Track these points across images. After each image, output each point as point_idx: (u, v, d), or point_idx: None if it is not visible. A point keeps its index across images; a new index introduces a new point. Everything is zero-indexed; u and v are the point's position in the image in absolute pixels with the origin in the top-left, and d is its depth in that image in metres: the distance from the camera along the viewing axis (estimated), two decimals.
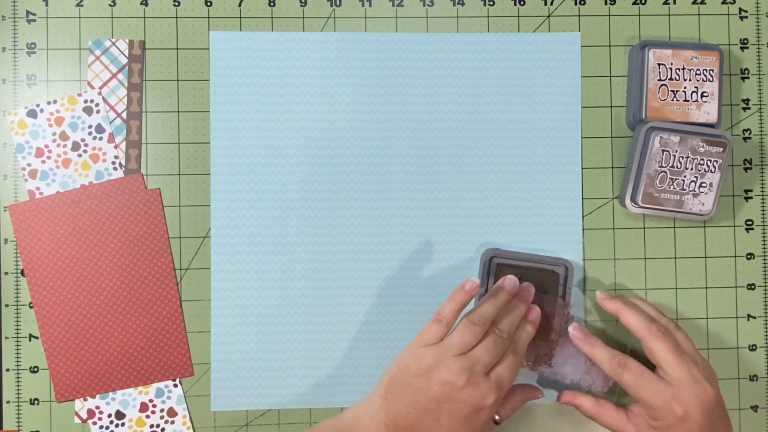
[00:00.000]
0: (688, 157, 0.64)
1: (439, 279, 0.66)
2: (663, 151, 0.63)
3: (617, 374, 0.59)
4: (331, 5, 0.67)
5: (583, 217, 0.67)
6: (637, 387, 0.58)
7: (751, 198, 0.68)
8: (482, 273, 0.64)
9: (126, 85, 0.65)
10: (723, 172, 0.64)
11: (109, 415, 0.64)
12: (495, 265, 0.64)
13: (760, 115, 0.68)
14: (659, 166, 0.64)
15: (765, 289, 0.68)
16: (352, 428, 0.57)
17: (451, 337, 0.57)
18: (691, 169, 0.64)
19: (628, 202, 0.65)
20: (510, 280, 0.61)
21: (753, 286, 0.68)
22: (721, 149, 0.64)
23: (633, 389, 0.58)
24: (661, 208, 0.64)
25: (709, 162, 0.64)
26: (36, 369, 0.64)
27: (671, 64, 0.65)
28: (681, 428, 0.57)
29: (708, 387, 0.57)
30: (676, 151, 0.63)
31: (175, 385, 0.65)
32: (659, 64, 0.65)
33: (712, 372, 0.59)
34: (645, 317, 0.60)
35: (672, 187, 0.64)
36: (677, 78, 0.65)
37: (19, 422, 0.64)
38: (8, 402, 0.64)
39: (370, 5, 0.67)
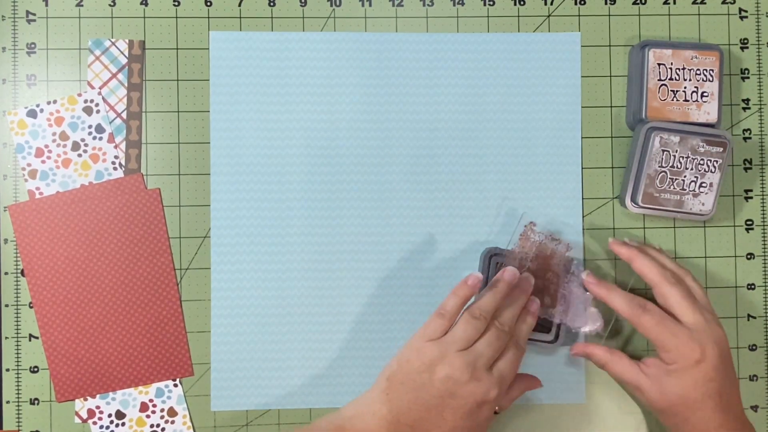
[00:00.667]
0: (688, 157, 0.64)
1: (438, 279, 0.66)
2: (663, 151, 0.63)
3: (637, 316, 0.59)
4: (331, 5, 0.67)
5: (583, 217, 0.67)
6: (658, 330, 0.58)
7: (751, 198, 0.68)
8: (482, 272, 0.64)
9: (126, 85, 0.65)
10: (723, 172, 0.64)
11: (110, 415, 0.64)
12: (495, 264, 0.64)
13: (760, 115, 0.68)
14: (659, 166, 0.64)
15: (765, 289, 0.68)
16: (351, 425, 0.57)
17: (453, 332, 0.57)
18: (691, 169, 0.64)
19: (628, 202, 0.65)
20: (509, 272, 0.61)
21: (753, 286, 0.68)
22: (721, 149, 0.64)
23: (653, 331, 0.58)
24: (661, 208, 0.64)
25: (709, 162, 0.64)
26: (36, 369, 0.64)
27: (671, 64, 0.65)
28: (697, 370, 0.57)
29: (721, 330, 0.58)
30: (676, 151, 0.63)
31: (175, 385, 0.65)
32: (659, 64, 0.65)
33: (719, 320, 0.60)
34: (658, 264, 0.61)
35: (672, 187, 0.64)
36: (677, 78, 0.65)
37: (19, 422, 0.64)
38: (8, 402, 0.64)
39: (370, 5, 0.67)
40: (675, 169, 0.64)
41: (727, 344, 0.59)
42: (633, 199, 0.64)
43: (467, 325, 0.56)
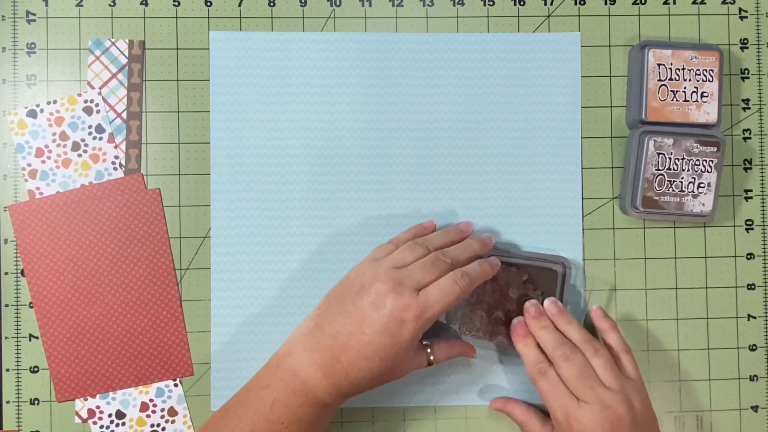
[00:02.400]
0: (683, 159, 0.64)
1: None
2: (658, 154, 0.63)
3: (535, 380, 0.59)
4: (331, 5, 0.67)
5: (583, 217, 0.67)
6: (550, 397, 0.58)
7: (751, 198, 0.68)
8: None
9: (126, 85, 0.65)
10: (720, 171, 0.64)
11: (110, 415, 0.64)
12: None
13: (760, 115, 0.68)
14: (656, 170, 0.64)
15: (765, 289, 0.68)
16: (278, 351, 0.57)
17: (392, 254, 0.58)
18: (688, 170, 0.64)
19: (629, 208, 0.65)
20: (465, 224, 0.63)
21: (753, 286, 0.68)
22: (716, 149, 0.64)
23: (544, 396, 0.58)
24: (662, 211, 0.64)
25: (704, 162, 0.64)
26: (36, 369, 0.64)
27: (671, 64, 0.65)
28: None
29: (624, 412, 0.56)
30: (671, 153, 0.64)
31: (176, 385, 0.65)
32: (659, 65, 0.65)
33: (639, 397, 0.57)
34: (557, 338, 0.59)
35: (671, 189, 0.64)
36: (677, 78, 0.65)
37: (19, 422, 0.64)
38: (8, 402, 0.64)
39: (370, 5, 0.67)
40: (672, 171, 0.64)
41: (628, 428, 0.55)
42: (633, 204, 0.64)
43: (406, 249, 0.58)
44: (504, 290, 0.63)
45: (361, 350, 0.54)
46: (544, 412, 0.63)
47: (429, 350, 0.60)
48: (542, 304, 0.62)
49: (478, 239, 0.62)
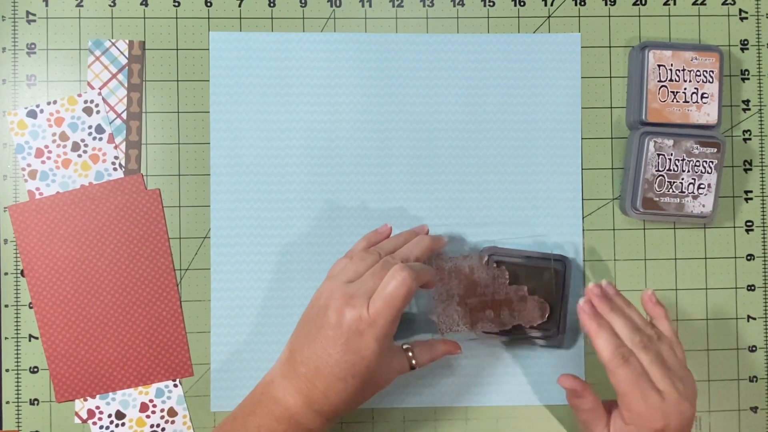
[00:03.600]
0: (683, 160, 0.64)
1: None
2: (658, 155, 0.63)
3: (615, 366, 0.55)
4: (331, 6, 0.67)
5: (583, 217, 0.67)
6: (630, 386, 0.55)
7: (751, 199, 0.68)
8: None
9: (126, 85, 0.65)
10: (720, 172, 0.64)
11: (109, 415, 0.64)
12: (493, 263, 0.64)
13: (760, 116, 0.68)
14: (656, 170, 0.64)
15: (765, 291, 0.68)
16: (263, 380, 0.57)
17: (346, 268, 0.57)
18: (688, 171, 0.64)
19: (629, 209, 0.65)
20: (420, 227, 0.63)
21: (753, 287, 0.68)
22: (715, 150, 0.64)
23: (624, 386, 0.55)
24: (662, 212, 0.64)
25: (704, 163, 0.64)
26: (36, 369, 0.64)
27: (671, 65, 0.65)
28: None
29: (688, 404, 0.55)
30: (671, 154, 0.64)
31: (175, 385, 0.65)
32: (659, 66, 0.65)
33: (693, 392, 0.57)
34: (625, 330, 0.57)
35: (671, 190, 0.64)
36: (677, 79, 0.65)
37: (19, 422, 0.64)
38: (8, 402, 0.64)
39: (370, 6, 0.67)
40: (672, 172, 0.64)
41: (691, 421, 0.55)
42: (633, 205, 0.64)
43: (358, 260, 0.57)
44: (469, 277, 0.62)
45: (331, 372, 0.53)
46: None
47: (411, 353, 0.59)
48: (536, 300, 0.62)
49: (430, 236, 0.61)
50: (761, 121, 0.68)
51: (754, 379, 0.67)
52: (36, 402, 0.64)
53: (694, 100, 0.65)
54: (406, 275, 0.54)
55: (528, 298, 0.62)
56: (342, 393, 0.54)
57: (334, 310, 0.54)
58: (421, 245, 0.59)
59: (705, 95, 0.65)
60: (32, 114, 0.65)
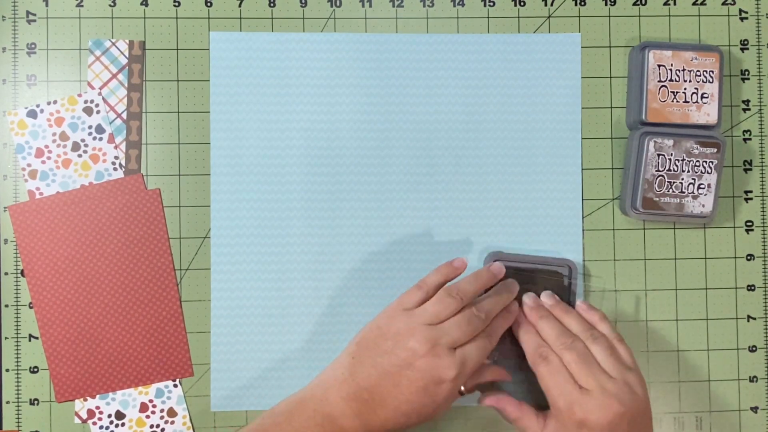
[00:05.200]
0: (683, 160, 0.64)
1: None
2: (658, 155, 0.64)
3: (535, 364, 0.58)
4: (331, 6, 0.67)
5: (583, 218, 0.67)
6: (550, 381, 0.57)
7: (751, 199, 0.68)
8: None
9: (126, 85, 0.65)
10: (720, 172, 0.64)
11: (109, 416, 0.64)
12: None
13: (760, 117, 0.68)
14: (656, 171, 0.64)
15: (765, 291, 0.68)
16: (312, 394, 0.57)
17: (425, 306, 0.57)
18: (688, 171, 0.64)
19: (629, 209, 0.65)
20: (497, 266, 0.61)
21: (753, 288, 0.68)
22: (715, 150, 0.64)
23: (544, 381, 0.58)
24: (662, 212, 0.64)
25: (704, 163, 0.64)
26: (36, 369, 0.64)
27: (671, 65, 0.65)
28: None
29: (615, 400, 0.55)
30: (671, 155, 0.64)
31: (175, 386, 0.65)
32: (659, 66, 0.65)
33: (633, 389, 0.57)
34: (556, 328, 0.60)
35: (671, 190, 0.64)
36: (677, 79, 0.65)
37: (19, 422, 0.64)
38: (8, 402, 0.64)
39: (370, 6, 0.67)
40: (672, 172, 0.64)
41: (624, 417, 0.55)
42: (633, 206, 0.64)
43: (439, 302, 0.57)
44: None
45: (398, 407, 0.55)
46: (536, 407, 0.62)
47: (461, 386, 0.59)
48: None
49: (506, 288, 0.61)
50: (761, 121, 0.68)
51: (754, 379, 0.67)
52: (36, 402, 0.64)
53: (694, 100, 0.65)
54: (495, 338, 0.58)
55: None
56: (402, 425, 0.56)
57: (416, 354, 0.55)
58: (500, 298, 0.60)
59: (705, 95, 0.65)
60: (32, 114, 0.65)
